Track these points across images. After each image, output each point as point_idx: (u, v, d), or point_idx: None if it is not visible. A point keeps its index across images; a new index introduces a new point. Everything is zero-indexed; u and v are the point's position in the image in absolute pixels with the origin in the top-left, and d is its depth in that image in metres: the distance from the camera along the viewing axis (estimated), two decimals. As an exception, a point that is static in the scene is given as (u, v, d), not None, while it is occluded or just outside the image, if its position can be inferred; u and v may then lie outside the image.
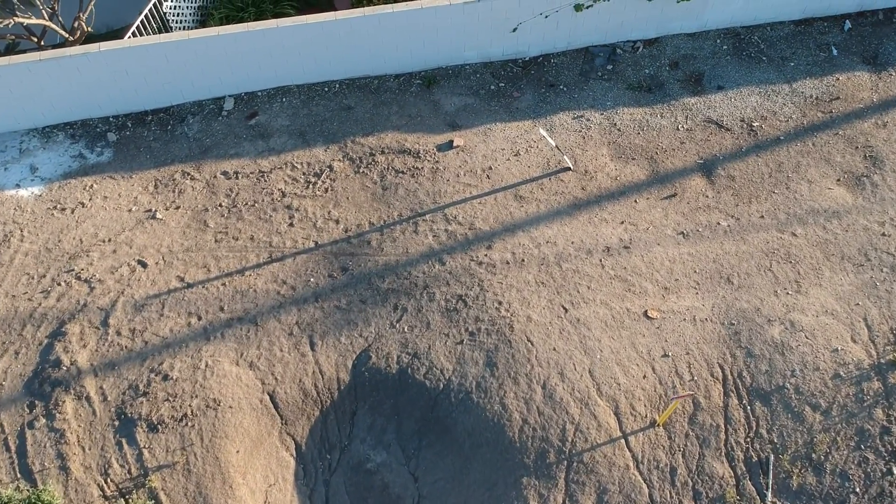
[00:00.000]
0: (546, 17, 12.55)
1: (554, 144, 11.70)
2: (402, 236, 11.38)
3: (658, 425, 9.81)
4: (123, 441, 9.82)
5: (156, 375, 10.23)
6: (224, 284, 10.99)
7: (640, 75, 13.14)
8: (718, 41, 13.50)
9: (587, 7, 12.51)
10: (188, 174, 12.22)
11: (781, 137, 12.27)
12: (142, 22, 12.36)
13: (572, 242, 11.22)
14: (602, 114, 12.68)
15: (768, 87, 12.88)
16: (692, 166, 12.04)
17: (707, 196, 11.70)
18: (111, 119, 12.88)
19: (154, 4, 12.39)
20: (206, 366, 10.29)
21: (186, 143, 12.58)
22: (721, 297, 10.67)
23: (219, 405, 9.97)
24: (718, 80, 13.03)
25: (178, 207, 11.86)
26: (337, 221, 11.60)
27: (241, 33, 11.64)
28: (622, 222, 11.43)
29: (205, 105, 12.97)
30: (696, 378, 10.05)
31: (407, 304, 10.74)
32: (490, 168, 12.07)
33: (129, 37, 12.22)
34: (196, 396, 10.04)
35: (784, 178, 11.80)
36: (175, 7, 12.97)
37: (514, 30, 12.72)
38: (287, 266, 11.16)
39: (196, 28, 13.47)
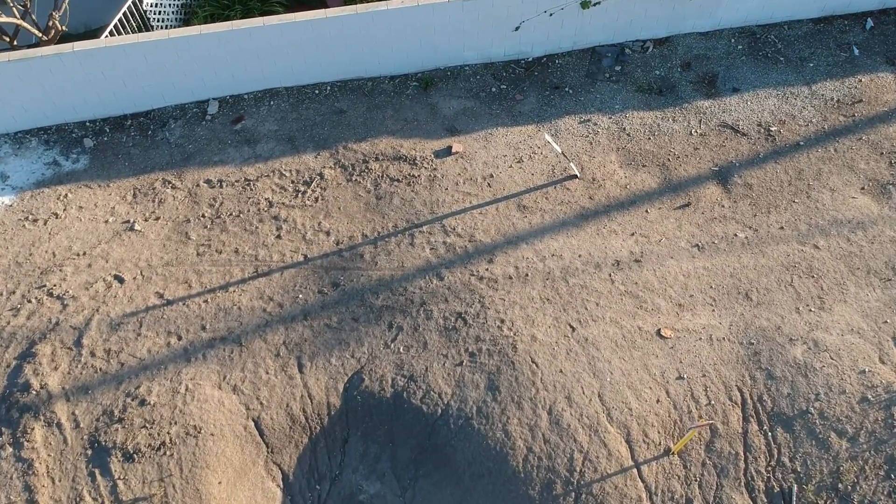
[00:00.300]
0: (550, 14, 12.15)
1: (560, 151, 11.29)
2: (397, 249, 10.95)
3: (673, 454, 9.36)
4: (97, 472, 9.36)
5: (132, 400, 9.78)
6: (206, 301, 10.55)
7: (651, 77, 12.74)
8: (733, 40, 13.10)
9: (594, 4, 12.11)
10: (169, 182, 11.78)
11: (801, 143, 11.86)
12: (120, 20, 11.95)
13: (579, 256, 10.79)
14: (610, 118, 12.26)
15: (786, 90, 12.47)
16: (707, 174, 11.62)
17: (723, 206, 11.27)
18: (88, 124, 12.45)
19: (133, 2, 11.97)
20: (187, 390, 9.84)
21: (168, 150, 12.15)
22: (739, 314, 10.24)
23: (199, 432, 9.52)
24: (733, 81, 12.63)
25: (157, 218, 11.43)
26: (328, 233, 11.16)
27: (225, 32, 11.23)
28: (633, 234, 11.01)
29: (187, 109, 12.55)
30: (713, 402, 9.61)
31: (402, 323, 10.30)
32: (491, 176, 11.64)
33: (106, 36, 11.79)
34: (175, 423, 9.59)
35: (805, 187, 11.38)
36: (156, 4, 12.56)
37: (517, 28, 12.32)
38: (274, 281, 10.72)
39: (180, 27, 13.06)
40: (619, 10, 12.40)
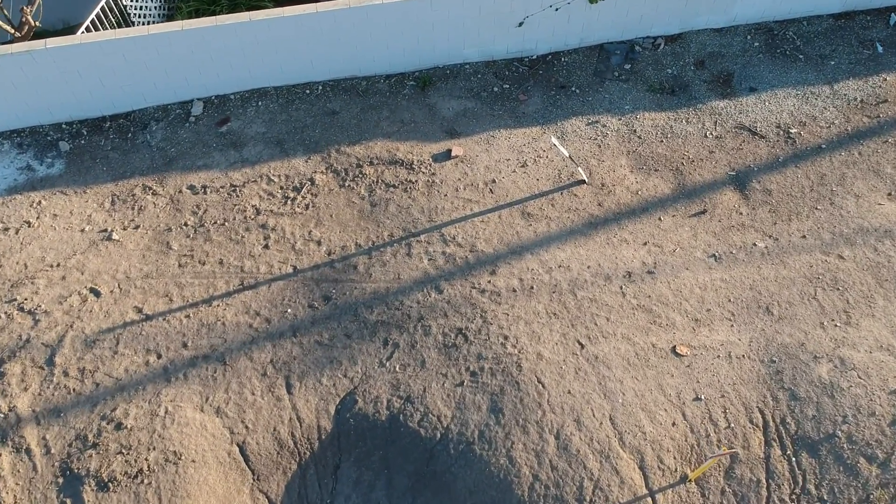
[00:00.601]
0: (556, 9, 11.73)
1: (567, 154, 10.86)
2: (393, 260, 10.51)
3: (690, 481, 8.93)
4: (68, 502, 8.90)
5: (107, 424, 9.32)
6: (188, 316, 10.10)
7: (662, 76, 12.32)
8: (749, 37, 12.69)
9: (603, -1, 11.70)
10: (150, 189, 11.34)
11: (823, 146, 11.44)
12: (97, 16, 11.51)
13: (588, 267, 10.35)
14: (620, 119, 11.84)
15: (806, 89, 12.05)
16: (723, 179, 11.19)
17: (741, 213, 10.84)
18: (64, 126, 12.01)
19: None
20: (166, 412, 9.38)
21: (149, 153, 11.71)
22: (760, 330, 9.81)
23: (180, 459, 9.07)
24: (750, 80, 12.21)
25: (137, 227, 10.98)
26: (319, 243, 10.72)
27: (208, 28, 10.80)
28: (645, 243, 10.57)
29: (170, 110, 12.11)
30: (732, 425, 9.17)
31: (399, 340, 9.85)
32: (493, 181, 11.21)
33: (83, 32, 11.36)
34: (153, 448, 9.13)
35: (828, 193, 10.96)
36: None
37: (521, 24, 11.89)
38: (261, 295, 10.27)
39: (163, 22, 12.61)
40: (629, 5, 11.98)
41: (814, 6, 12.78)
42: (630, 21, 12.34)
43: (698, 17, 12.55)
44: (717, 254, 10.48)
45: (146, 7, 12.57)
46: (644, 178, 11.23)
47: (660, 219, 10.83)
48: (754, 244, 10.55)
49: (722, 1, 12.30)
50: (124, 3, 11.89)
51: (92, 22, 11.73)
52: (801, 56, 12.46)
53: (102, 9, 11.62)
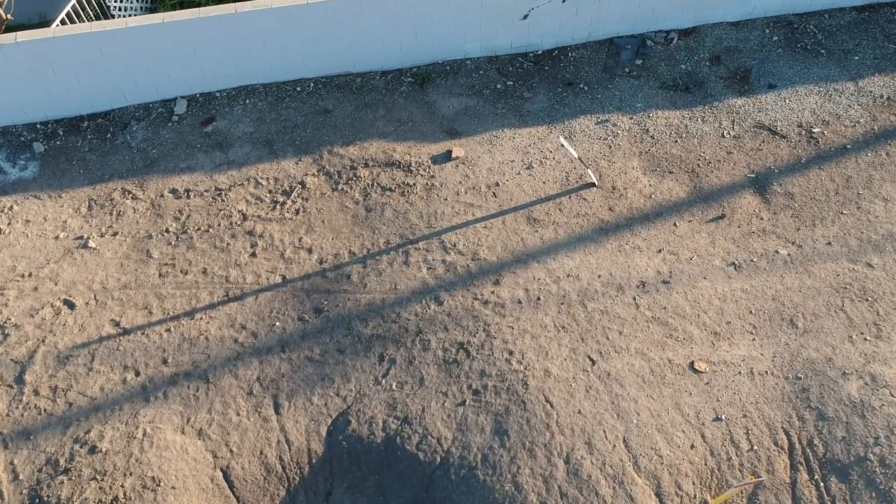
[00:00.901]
0: (563, 1, 11.26)
1: (576, 156, 10.40)
2: (389, 269, 10.03)
3: (711, 509, 8.47)
4: (37, 532, 8.42)
5: (81, 447, 8.83)
6: (169, 330, 9.61)
7: (676, 72, 11.86)
8: (767, 31, 12.23)
9: (613, -11, 11.24)
10: (129, 192, 10.86)
11: (848, 146, 10.98)
12: (74, 9, 11.03)
13: (599, 276, 9.88)
14: (631, 118, 11.37)
15: (829, 86, 11.60)
16: (742, 181, 10.73)
17: (761, 218, 10.37)
18: (38, 126, 11.54)
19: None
20: (144, 434, 8.90)
21: (129, 155, 11.23)
22: (784, 344, 9.33)
23: (158, 485, 8.58)
24: (769, 77, 11.75)
25: (115, 234, 10.50)
26: (310, 250, 10.24)
27: (190, 20, 10.33)
28: (660, 251, 10.10)
29: (152, 108, 11.63)
30: (755, 447, 8.70)
31: (395, 355, 9.37)
32: (497, 184, 10.73)
33: (57, 26, 10.88)
34: (130, 474, 8.64)
35: (854, 196, 10.49)
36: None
37: (525, 16, 11.43)
38: (247, 307, 9.79)
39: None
40: (641, -4, 11.53)
41: (836, -2, 12.36)
42: (641, 14, 11.88)
43: (713, 10, 12.10)
44: (736, 262, 10.01)
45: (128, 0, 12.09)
46: (658, 180, 10.76)
47: (675, 224, 10.35)
48: (776, 251, 10.08)
49: (738, -8, 11.87)
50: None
51: (68, 15, 11.26)
52: (822, 51, 12.01)
53: (79, 1, 11.14)
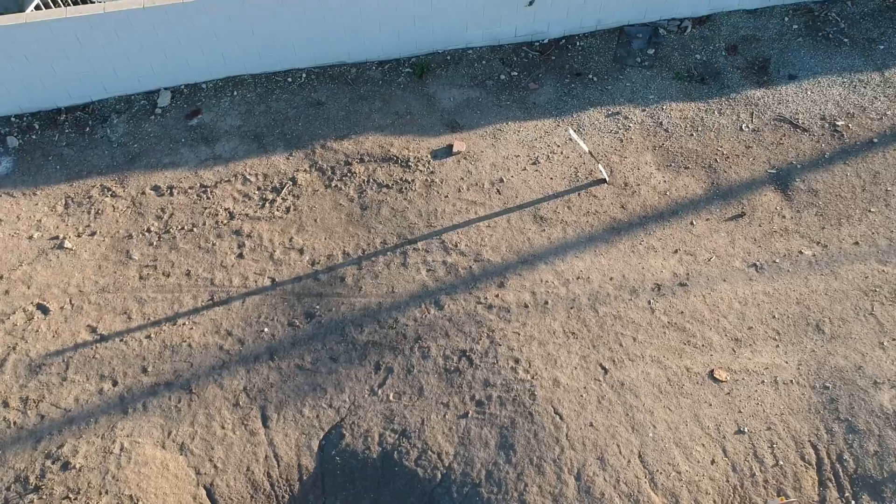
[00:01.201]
0: (571, -14, 10.84)
1: (587, 149, 9.95)
2: (386, 271, 9.58)
3: (734, 529, 8.00)
4: (5, 556, 7.96)
5: (53, 463, 8.36)
6: (149, 337, 9.15)
7: (690, 62, 11.42)
8: (786, 19, 11.80)
9: (624, -27, 10.81)
10: (109, 190, 10.40)
11: (875, 140, 10.54)
12: (51, -6, 10.60)
13: (611, 279, 9.42)
14: (644, 110, 10.92)
15: (853, 77, 11.16)
16: (762, 177, 10.28)
17: (784, 216, 9.93)
18: (13, 119, 11.08)
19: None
20: (122, 449, 8.43)
21: (109, 150, 10.78)
22: (810, 350, 8.88)
23: (137, 504, 8.13)
24: (789, 67, 11.31)
25: (93, 234, 10.04)
26: (301, 251, 9.78)
27: (173, 7, 9.88)
28: (676, 251, 9.65)
29: (134, 101, 11.18)
30: (781, 462, 8.24)
31: (393, 363, 8.91)
32: (501, 181, 10.28)
33: (32, 10, 10.43)
34: (106, 492, 8.17)
35: (882, 193, 10.05)
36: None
37: (531, 3, 10.99)
38: (233, 312, 9.33)
39: None
40: (653, -18, 11.10)
41: (859, -16, 11.92)
42: (653, 0, 11.44)
43: (730, -4, 11.68)
44: (758, 263, 9.55)
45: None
46: (673, 176, 10.31)
47: (692, 223, 9.90)
48: (800, 252, 9.63)
49: (756, -23, 11.44)
50: (82, -19, 10.97)
51: (44, 1, 10.80)
52: (845, 40, 11.57)
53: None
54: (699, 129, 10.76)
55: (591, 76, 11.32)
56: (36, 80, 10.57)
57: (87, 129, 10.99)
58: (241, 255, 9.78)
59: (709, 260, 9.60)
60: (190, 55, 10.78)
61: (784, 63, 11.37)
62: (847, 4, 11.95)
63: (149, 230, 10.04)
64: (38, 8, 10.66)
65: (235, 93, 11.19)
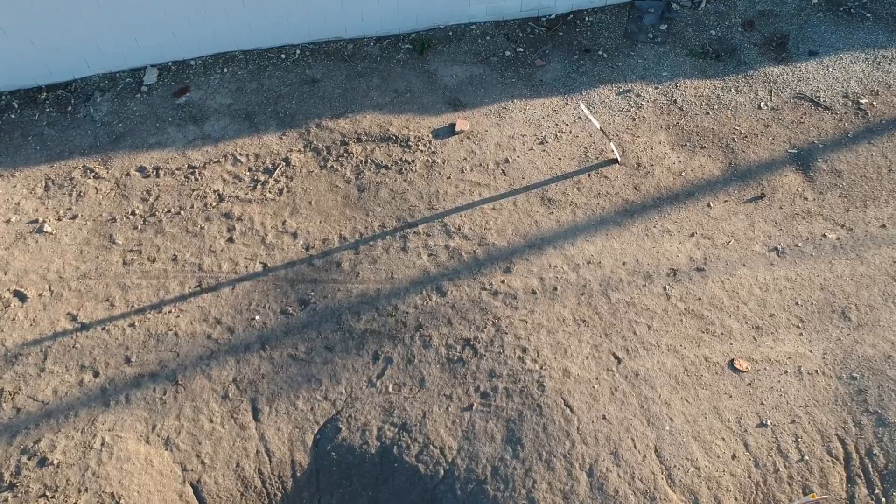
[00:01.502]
0: (580, -44, 10.43)
1: (598, 125, 9.55)
2: (385, 255, 9.17)
3: (757, 529, 7.61)
4: (-23, 558, 7.55)
5: (29, 459, 7.96)
6: (133, 325, 8.74)
7: (705, 38, 11.01)
8: (806, -8, 11.40)
9: (636, -57, 10.39)
10: (91, 171, 10.00)
11: (901, 118, 10.15)
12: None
13: (624, 263, 9.02)
14: (657, 88, 10.52)
15: (877, 53, 10.75)
16: (783, 157, 9.88)
17: (806, 198, 9.53)
18: (-9, 97, 10.68)
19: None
20: (103, 444, 8.02)
21: (92, 130, 10.37)
22: (835, 339, 8.48)
23: (118, 503, 7.70)
24: (809, 43, 10.91)
25: (74, 217, 9.63)
26: (294, 235, 9.38)
27: (160, -26, 9.47)
28: (692, 235, 9.24)
29: (118, 78, 10.76)
30: (806, 457, 7.84)
31: (392, 353, 8.50)
32: (506, 161, 9.88)
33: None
34: (86, 490, 7.77)
35: (909, 174, 9.67)
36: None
37: (537, -25, 10.60)
38: (223, 299, 8.92)
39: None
40: (666, -47, 10.68)
41: (881, -43, 11.51)
42: (666, -27, 11.05)
43: (746, -31, 11.27)
44: (779, 247, 9.15)
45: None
46: (688, 156, 9.90)
47: (709, 205, 9.50)
48: (824, 235, 9.23)
49: (774, -50, 11.02)
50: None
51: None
52: (868, 14, 11.16)
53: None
54: (715, 107, 10.35)
55: (600, 52, 10.91)
56: (13, 56, 10.16)
57: (70, 108, 10.58)
58: (230, 240, 9.37)
59: (727, 244, 9.20)
60: (178, 30, 10.37)
61: (804, 39, 10.97)
62: (869, -22, 11.55)
63: (133, 213, 9.62)
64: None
65: (226, 70, 10.77)
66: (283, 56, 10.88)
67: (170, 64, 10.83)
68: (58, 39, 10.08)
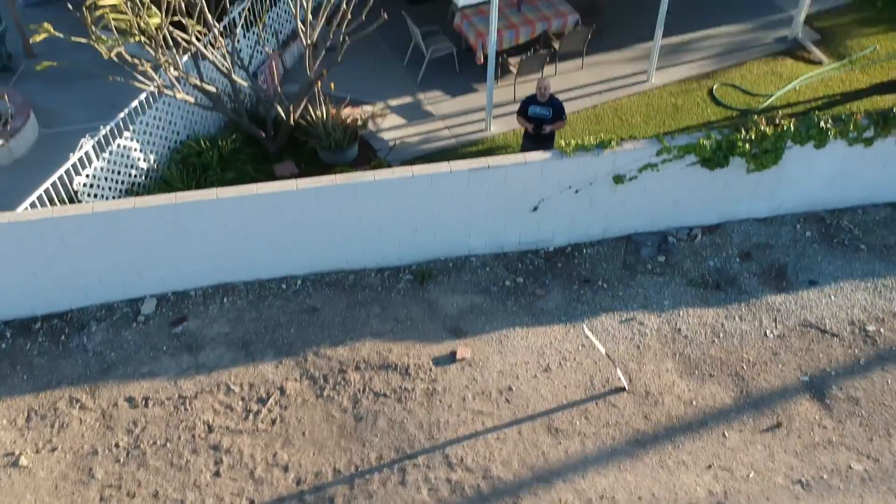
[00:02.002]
0: (577, 191, 10.73)
1: (604, 351, 9.31)
2: (382, 490, 8.56)
3: None
4: None
5: None
6: (103, 569, 7.95)
7: (703, 268, 11.10)
8: (798, 226, 11.64)
9: (630, 179, 10.74)
10: (77, 401, 9.61)
11: (911, 345, 9.95)
12: (40, 200, 10.36)
13: (640, 498, 8.39)
14: (660, 316, 10.41)
15: (877, 282, 10.80)
16: (795, 385, 9.57)
17: (824, 426, 9.09)
18: (-16, 327, 10.52)
19: (60, 181, 10.47)
20: None
21: (83, 359, 10.11)
22: (879, 583, 7.69)
23: None
24: (808, 273, 10.98)
25: (53, 449, 9.11)
26: (286, 468, 8.81)
27: (165, 206, 9.64)
28: (709, 466, 8.70)
29: (116, 308, 10.67)
30: None
31: None
32: (510, 388, 9.54)
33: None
34: None
35: (929, 401, 9.30)
36: (92, 186, 11.05)
37: (535, 209, 10.85)
38: (204, 538, 8.19)
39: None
40: (661, 188, 11.01)
41: (867, 195, 11.90)
42: (661, 207, 11.34)
43: (738, 205, 11.58)
44: (803, 479, 8.58)
45: (103, 196, 11.43)
46: (698, 384, 9.58)
47: (724, 434, 9.03)
48: (850, 466, 8.69)
49: (763, 187, 11.38)
50: (75, 189, 10.82)
51: (36, 201, 10.55)
52: (862, 246, 11.34)
53: (47, 193, 10.48)
54: (720, 335, 10.19)
55: (600, 282, 10.93)
56: (13, 287, 10.13)
57: (63, 337, 10.38)
58: (217, 473, 8.78)
59: (747, 476, 8.62)
60: (179, 260, 10.43)
61: (802, 269, 11.05)
62: (858, 213, 11.85)
63: (117, 445, 9.10)
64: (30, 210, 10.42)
65: (225, 300, 10.71)
66: (283, 286, 10.87)
67: (169, 294, 10.79)
68: (61, 270, 10.10)
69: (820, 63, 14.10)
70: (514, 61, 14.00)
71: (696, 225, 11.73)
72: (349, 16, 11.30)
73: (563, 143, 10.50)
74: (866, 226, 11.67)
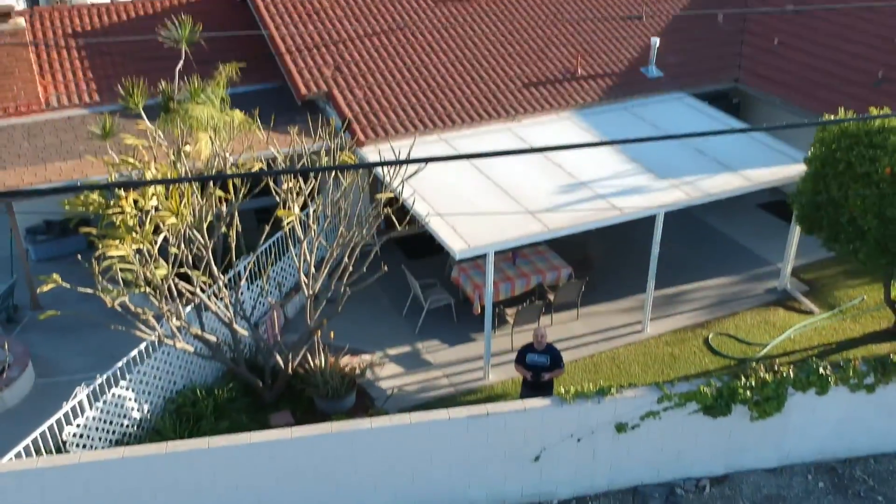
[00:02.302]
0: (579, 440, 10.44)
1: None
2: None
3: None
4: None
5: None
6: None
7: None
8: (810, 477, 11.22)
9: (633, 427, 10.48)
10: None
11: None
12: (27, 449, 10.00)
13: None
14: (673, 575, 9.70)
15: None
16: None
17: None
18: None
19: (50, 427, 10.18)
20: None
21: None
22: None
23: None
24: (826, 529, 10.40)
25: None
26: None
27: (154, 456, 9.30)
28: None
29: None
30: None
31: None
32: None
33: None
34: None
35: None
36: (81, 436, 10.72)
37: (537, 458, 10.50)
38: None
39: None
40: (664, 437, 10.73)
41: (877, 444, 11.62)
42: (666, 457, 10.98)
43: (745, 454, 11.23)
44: None
45: (93, 445, 11.04)
46: None
47: None
48: None
49: (769, 435, 11.11)
50: (64, 439, 10.48)
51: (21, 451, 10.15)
52: (879, 497, 10.87)
53: (34, 445, 10.10)
54: None
55: None
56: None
57: None
58: None
59: None
60: (165, 515, 9.90)
61: (819, 525, 10.48)
62: (870, 462, 11.48)
63: None
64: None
65: (209, 559, 10.01)
66: (272, 544, 10.22)
67: (150, 553, 10.11)
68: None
69: (811, 312, 14.35)
70: (510, 311, 14.24)
71: (703, 475, 11.30)
72: (351, 268, 11.66)
73: (562, 390, 10.39)
74: (880, 476, 11.24)
